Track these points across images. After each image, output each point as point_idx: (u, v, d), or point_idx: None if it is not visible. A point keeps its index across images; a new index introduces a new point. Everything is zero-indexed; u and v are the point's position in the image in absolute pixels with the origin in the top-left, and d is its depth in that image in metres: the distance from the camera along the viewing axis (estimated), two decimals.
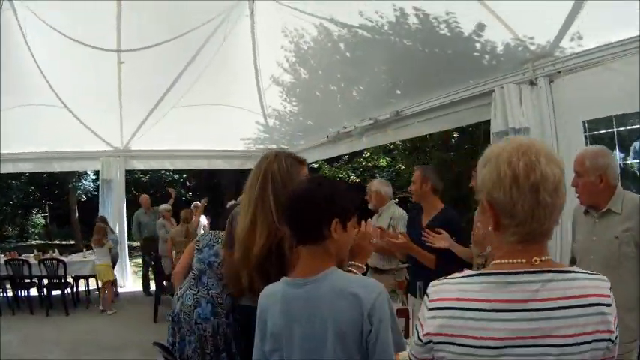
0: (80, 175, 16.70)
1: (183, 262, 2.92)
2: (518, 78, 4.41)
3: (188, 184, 18.02)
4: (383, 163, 12.18)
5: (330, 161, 11.87)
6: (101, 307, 6.92)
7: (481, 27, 4.31)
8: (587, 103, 3.95)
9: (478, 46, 4.50)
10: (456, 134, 8.78)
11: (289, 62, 6.69)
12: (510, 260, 1.06)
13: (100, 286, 7.19)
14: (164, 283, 6.79)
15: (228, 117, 7.67)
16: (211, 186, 16.62)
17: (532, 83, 4.33)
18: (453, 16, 4.36)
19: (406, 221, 4.01)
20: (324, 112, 7.19)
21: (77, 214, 16.40)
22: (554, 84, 4.22)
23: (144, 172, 15.93)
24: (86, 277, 7.45)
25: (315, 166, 11.83)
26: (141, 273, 8.73)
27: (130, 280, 8.77)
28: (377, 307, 1.42)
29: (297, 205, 1.53)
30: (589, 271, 1.08)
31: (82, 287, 7.59)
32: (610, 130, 3.82)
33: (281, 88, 7.21)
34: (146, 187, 15.67)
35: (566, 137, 4.12)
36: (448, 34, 4.56)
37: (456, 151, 8.83)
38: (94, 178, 16.51)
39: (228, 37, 6.49)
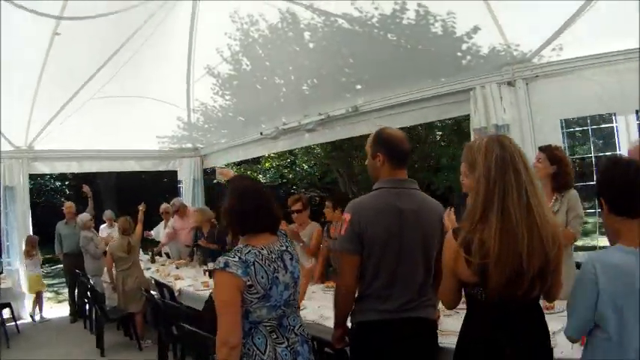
0: None
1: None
2: (497, 79, 4.83)
3: (68, 192, 14.89)
4: (302, 164, 11.78)
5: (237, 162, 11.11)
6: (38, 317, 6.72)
7: (475, 30, 4.60)
8: (563, 104, 4.58)
9: (464, 46, 4.79)
10: None
11: (232, 51, 6.04)
12: None
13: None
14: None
15: (148, 111, 6.57)
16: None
17: (510, 84, 4.81)
18: (452, 16, 4.54)
19: None
20: (260, 107, 6.69)
21: None
22: (530, 86, 4.76)
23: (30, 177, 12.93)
24: None
25: (224, 165, 10.95)
26: (53, 295, 7.67)
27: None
28: None
29: None
30: None
31: None
32: (585, 128, 4.55)
33: (215, 80, 6.48)
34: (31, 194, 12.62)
35: (542, 134, 4.70)
36: (440, 33, 4.74)
37: None
38: None
39: (165, 22, 5.55)
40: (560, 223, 3.11)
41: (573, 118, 4.68)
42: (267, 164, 11.98)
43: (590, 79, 4.33)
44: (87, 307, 6.38)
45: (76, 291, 6.76)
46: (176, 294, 4.90)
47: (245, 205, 2.08)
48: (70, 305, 7.01)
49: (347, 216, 2.22)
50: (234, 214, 2.12)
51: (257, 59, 6.08)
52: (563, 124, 4.57)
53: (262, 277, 1.96)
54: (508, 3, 4.14)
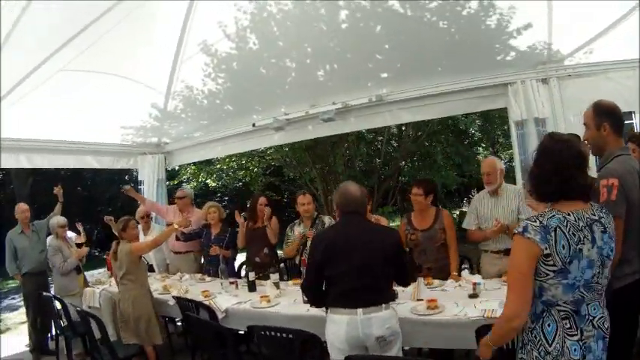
0: None
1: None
2: (533, 76, 5.08)
3: None
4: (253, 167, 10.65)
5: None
6: None
7: (527, 27, 4.72)
8: (590, 102, 5.01)
9: (512, 42, 4.89)
10: None
11: (238, 26, 5.13)
12: None
13: None
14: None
15: (118, 94, 5.19)
16: None
17: (544, 81, 5.10)
18: (512, 11, 4.59)
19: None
20: (259, 94, 5.84)
21: None
22: (563, 84, 5.11)
23: None
24: None
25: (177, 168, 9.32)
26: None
27: None
28: None
29: None
30: None
31: None
32: None
33: (209, 60, 5.42)
34: None
35: (574, 128, 5.08)
36: (492, 27, 4.76)
37: None
38: None
39: None
40: None
41: None
42: (221, 165, 10.74)
43: (614, 80, 4.87)
44: (55, 338, 5.13)
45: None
46: (220, 316, 3.95)
47: (553, 167, 1.88)
48: (32, 338, 5.53)
49: (614, 181, 2.27)
50: (539, 177, 1.95)
51: (269, 38, 5.28)
52: None
53: (563, 247, 1.78)
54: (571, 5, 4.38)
